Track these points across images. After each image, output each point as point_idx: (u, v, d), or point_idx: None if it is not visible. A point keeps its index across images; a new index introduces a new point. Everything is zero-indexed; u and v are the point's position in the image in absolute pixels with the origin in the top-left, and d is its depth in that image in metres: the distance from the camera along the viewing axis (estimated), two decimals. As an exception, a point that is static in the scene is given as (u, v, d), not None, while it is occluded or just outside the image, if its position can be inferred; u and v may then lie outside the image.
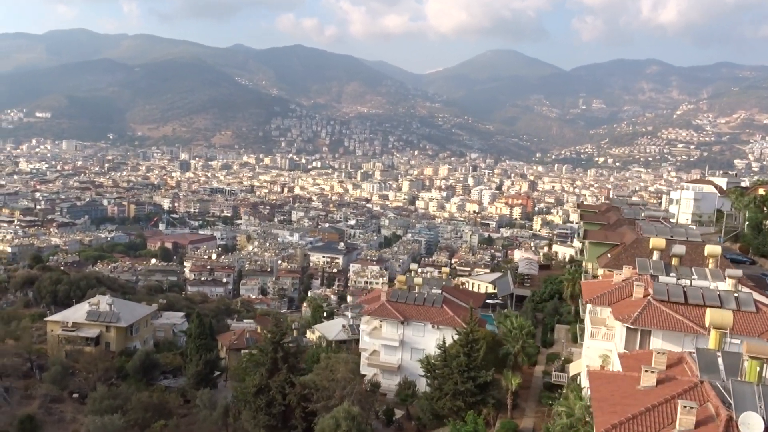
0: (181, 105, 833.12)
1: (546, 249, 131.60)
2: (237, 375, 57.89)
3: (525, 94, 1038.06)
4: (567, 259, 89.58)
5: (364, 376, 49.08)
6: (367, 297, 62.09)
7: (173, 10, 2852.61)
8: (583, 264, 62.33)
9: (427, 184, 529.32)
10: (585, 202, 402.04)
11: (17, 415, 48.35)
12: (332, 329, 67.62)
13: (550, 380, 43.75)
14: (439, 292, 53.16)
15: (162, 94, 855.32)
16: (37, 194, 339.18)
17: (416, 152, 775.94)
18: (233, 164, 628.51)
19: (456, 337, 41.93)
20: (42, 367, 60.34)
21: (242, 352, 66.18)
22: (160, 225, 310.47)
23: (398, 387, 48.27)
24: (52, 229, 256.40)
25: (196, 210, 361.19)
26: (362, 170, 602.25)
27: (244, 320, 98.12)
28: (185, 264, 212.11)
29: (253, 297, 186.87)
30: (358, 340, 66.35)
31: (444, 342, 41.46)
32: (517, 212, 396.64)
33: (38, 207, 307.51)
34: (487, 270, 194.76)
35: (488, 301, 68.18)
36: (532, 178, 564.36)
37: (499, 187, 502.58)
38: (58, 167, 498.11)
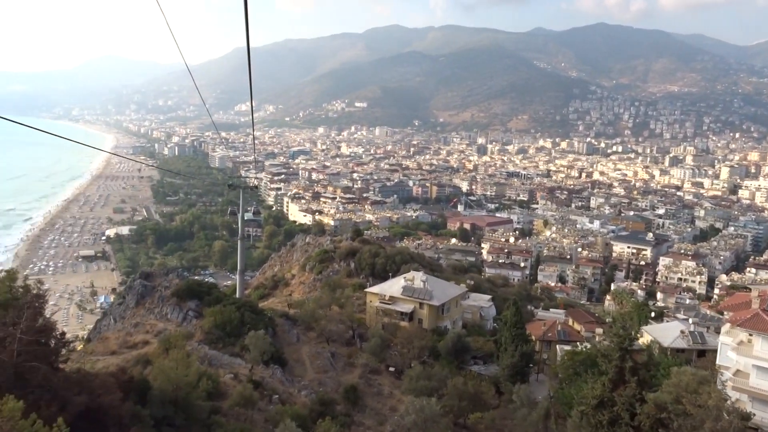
0: (480, 91, 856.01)
1: None
2: (555, 374, 51.96)
3: None
4: None
5: (726, 400, 38.56)
6: (729, 302, 50.26)
7: (476, 0, 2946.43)
8: None
9: (753, 171, 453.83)
10: None
11: (342, 382, 49.41)
12: (666, 334, 57.09)
13: None
14: (842, 304, 39.56)
15: (463, 82, 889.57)
16: (355, 175, 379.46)
17: (737, 135, 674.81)
18: (529, 148, 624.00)
19: None
20: (362, 336, 62.08)
21: (559, 347, 59.98)
22: (459, 206, 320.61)
23: (778, 424, 36.89)
24: (366, 206, 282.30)
25: (493, 193, 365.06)
26: (671, 155, 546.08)
27: (551, 309, 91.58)
28: (483, 245, 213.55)
29: (552, 284, 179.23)
30: (701, 351, 55.15)
31: None
32: None
33: (355, 186, 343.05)
34: None
35: None
36: None
37: None
38: (372, 151, 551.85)
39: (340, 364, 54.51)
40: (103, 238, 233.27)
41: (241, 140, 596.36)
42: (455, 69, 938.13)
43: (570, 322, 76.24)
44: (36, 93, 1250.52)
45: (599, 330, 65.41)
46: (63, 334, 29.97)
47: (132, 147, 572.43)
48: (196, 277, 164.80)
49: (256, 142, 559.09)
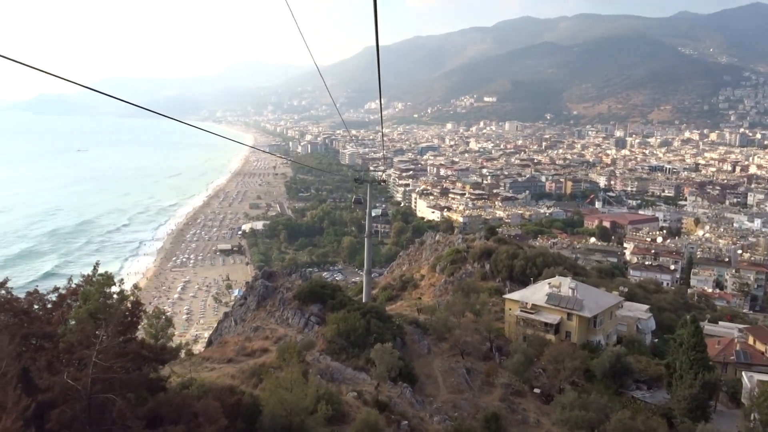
0: (617, 81, 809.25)
1: None
2: (749, 412, 41.70)
3: None
4: None
5: None
6: None
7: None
8: None
9: None
10: None
11: (480, 406, 42.60)
12: None
13: None
14: None
15: (598, 72, 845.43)
16: (484, 170, 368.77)
17: None
18: (673, 141, 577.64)
19: None
20: (500, 349, 54.77)
21: (745, 375, 49.13)
22: (596, 203, 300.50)
23: None
24: (496, 203, 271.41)
25: (634, 189, 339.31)
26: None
27: (720, 323, 78.43)
28: (625, 245, 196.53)
29: (708, 290, 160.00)
30: None
31: None
32: None
33: (485, 182, 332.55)
34: None
35: None
36: None
37: None
38: (502, 146, 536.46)
39: (477, 382, 47.58)
40: (239, 232, 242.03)
41: (371, 137, 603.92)
42: (590, 59, 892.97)
43: (751, 341, 63.81)
44: (184, 97, 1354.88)
45: (798, 355, 53.23)
46: (162, 349, 25.89)
47: (268, 145, 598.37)
48: (324, 273, 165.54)
49: (384, 139, 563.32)
